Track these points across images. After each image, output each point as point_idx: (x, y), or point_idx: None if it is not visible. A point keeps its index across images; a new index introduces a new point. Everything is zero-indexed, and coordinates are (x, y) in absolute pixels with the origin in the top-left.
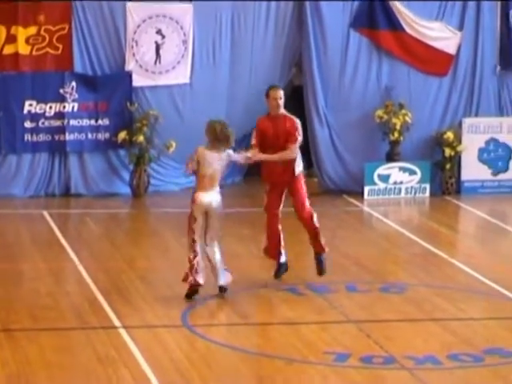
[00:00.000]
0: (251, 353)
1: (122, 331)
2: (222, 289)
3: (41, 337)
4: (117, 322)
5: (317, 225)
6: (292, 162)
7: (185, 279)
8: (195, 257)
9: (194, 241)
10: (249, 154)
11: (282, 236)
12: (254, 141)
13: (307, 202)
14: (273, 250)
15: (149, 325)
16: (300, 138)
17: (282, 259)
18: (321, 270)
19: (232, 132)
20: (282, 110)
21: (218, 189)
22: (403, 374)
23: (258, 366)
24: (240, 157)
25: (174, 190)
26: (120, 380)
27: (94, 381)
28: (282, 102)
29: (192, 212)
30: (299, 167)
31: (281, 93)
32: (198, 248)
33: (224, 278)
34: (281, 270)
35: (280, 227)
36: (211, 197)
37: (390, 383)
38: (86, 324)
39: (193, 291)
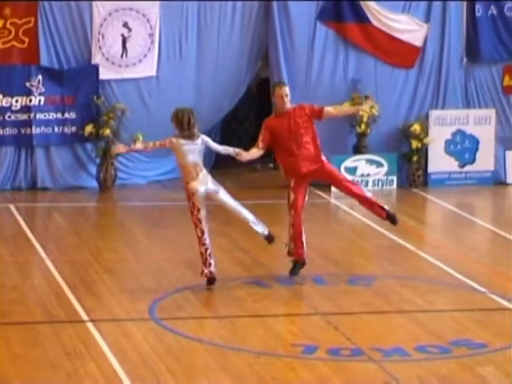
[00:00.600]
0: (219, 346)
1: (90, 325)
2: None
3: (8, 331)
4: (84, 316)
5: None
6: (316, 151)
7: (202, 273)
8: (206, 250)
9: (202, 232)
10: (238, 150)
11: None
12: (260, 143)
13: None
14: (299, 250)
15: (116, 318)
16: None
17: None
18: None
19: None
20: (289, 105)
21: (205, 171)
22: (371, 365)
23: (226, 359)
24: (224, 149)
25: (140, 183)
26: (87, 374)
27: (61, 374)
28: (288, 99)
29: (193, 204)
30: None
31: (286, 90)
32: (207, 240)
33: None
34: (297, 268)
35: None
36: (204, 182)
37: (358, 375)
38: (54, 318)
39: (210, 282)
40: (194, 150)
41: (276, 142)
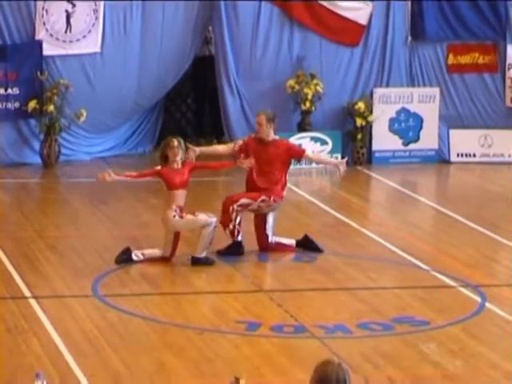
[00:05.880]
0: (162, 322)
1: (32, 301)
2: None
3: None
4: (27, 292)
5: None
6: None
7: None
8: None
9: None
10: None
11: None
12: (237, 147)
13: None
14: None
15: (59, 295)
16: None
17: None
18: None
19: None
20: (272, 136)
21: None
22: (313, 342)
23: (170, 336)
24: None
25: (84, 159)
26: (30, 350)
27: (3, 351)
28: (262, 128)
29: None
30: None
31: (259, 118)
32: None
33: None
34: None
35: None
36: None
37: (301, 352)
38: None
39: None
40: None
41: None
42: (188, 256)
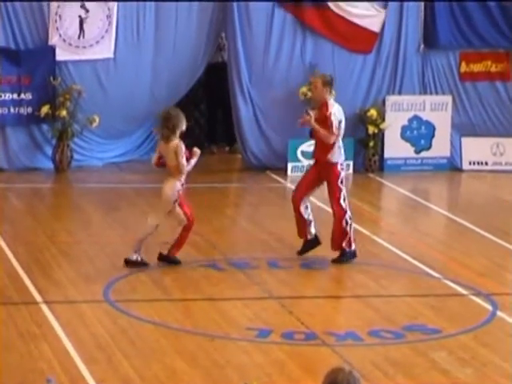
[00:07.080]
0: (173, 328)
1: (44, 306)
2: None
3: None
4: (38, 298)
5: (344, 226)
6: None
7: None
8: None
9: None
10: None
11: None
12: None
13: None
14: (299, 231)
15: (70, 300)
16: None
17: (308, 236)
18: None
19: (175, 117)
20: (324, 96)
21: (174, 179)
22: (324, 350)
23: (180, 342)
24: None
25: (97, 165)
26: (41, 355)
27: (14, 355)
28: (319, 90)
29: None
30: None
31: (317, 80)
32: None
33: None
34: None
35: (302, 210)
36: (165, 186)
37: (312, 359)
38: (7, 299)
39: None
40: (167, 153)
41: None
42: (203, 262)
